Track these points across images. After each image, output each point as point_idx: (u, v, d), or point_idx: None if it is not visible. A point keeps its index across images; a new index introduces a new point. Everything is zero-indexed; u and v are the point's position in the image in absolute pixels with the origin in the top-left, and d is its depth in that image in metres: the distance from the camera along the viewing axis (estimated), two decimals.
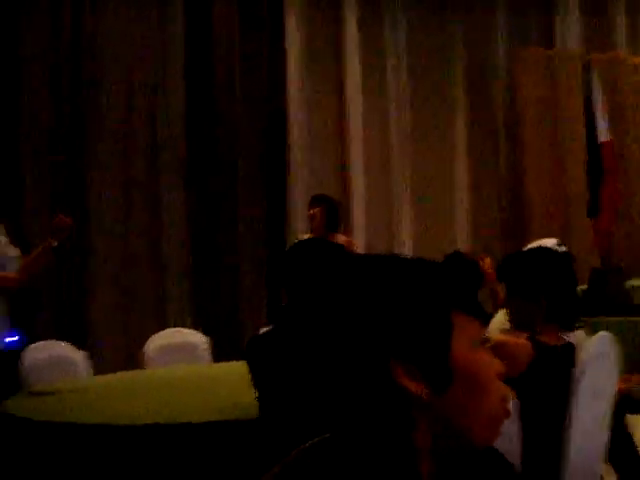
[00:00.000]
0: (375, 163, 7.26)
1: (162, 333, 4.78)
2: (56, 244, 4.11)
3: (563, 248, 3.60)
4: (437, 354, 0.94)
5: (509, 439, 2.21)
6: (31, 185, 6.06)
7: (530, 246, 3.74)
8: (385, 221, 7.27)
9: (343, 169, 7.10)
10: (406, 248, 7.21)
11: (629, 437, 3.55)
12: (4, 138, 6.05)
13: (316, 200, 5.30)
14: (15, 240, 4.57)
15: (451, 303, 0.97)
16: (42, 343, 4.29)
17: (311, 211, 5.26)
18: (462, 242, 7.49)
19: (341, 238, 5.13)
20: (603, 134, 7.21)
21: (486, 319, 1.00)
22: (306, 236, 5.26)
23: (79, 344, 5.00)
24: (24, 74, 6.08)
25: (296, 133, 6.82)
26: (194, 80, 6.57)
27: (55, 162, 6.12)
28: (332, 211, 5.17)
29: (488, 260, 4.81)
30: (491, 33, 8.01)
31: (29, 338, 5.33)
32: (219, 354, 4.74)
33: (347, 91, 7.14)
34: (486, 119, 7.86)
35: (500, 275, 2.63)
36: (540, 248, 2.97)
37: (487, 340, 1.01)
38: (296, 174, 6.81)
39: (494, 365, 0.98)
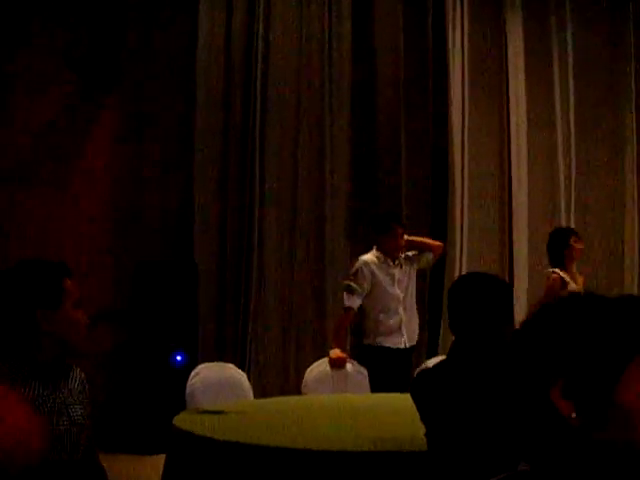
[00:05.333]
0: (539, 190, 7.04)
1: (321, 361, 4.85)
2: None
3: None
4: (599, 383, 0.98)
5: None
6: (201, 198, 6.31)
7: None
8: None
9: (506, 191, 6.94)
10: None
11: None
12: (178, 135, 6.35)
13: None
14: None
15: (631, 347, 0.99)
16: (211, 364, 4.46)
17: None
18: (629, 286, 7.11)
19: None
20: None
21: None
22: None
23: (238, 363, 5.17)
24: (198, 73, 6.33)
25: (458, 149, 6.76)
26: (359, 88, 6.69)
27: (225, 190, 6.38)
28: None
29: None
30: None
31: (192, 358, 5.60)
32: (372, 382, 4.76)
33: (511, 118, 6.99)
34: None
35: None
36: None
37: None
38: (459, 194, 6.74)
39: None
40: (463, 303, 2.41)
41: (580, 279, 5.43)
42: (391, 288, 5.10)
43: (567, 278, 5.25)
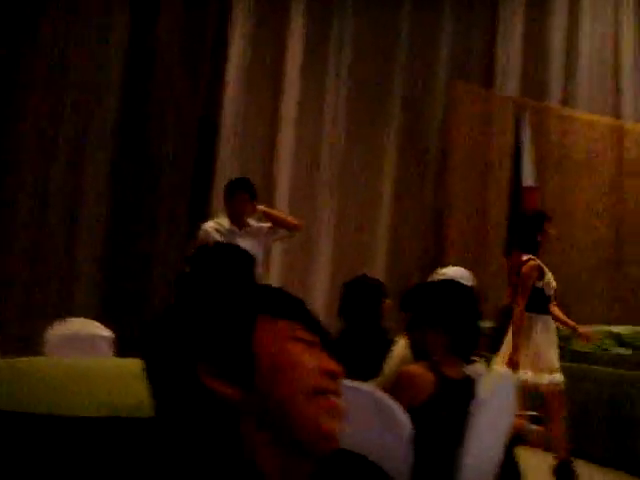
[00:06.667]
0: (302, 181, 7.28)
1: (66, 322, 4.66)
2: None
3: (469, 280, 3.67)
4: (238, 352, 1.01)
5: (400, 467, 2.22)
6: None
7: (437, 273, 3.80)
8: (306, 240, 7.25)
9: (270, 182, 7.09)
10: (323, 272, 7.22)
11: (517, 471, 3.64)
12: None
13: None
14: None
15: (256, 308, 1.05)
16: None
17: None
18: (380, 269, 7.55)
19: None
20: (528, 179, 7.41)
21: (302, 319, 1.06)
22: None
23: None
24: None
25: (227, 137, 6.79)
26: (132, 72, 6.50)
27: None
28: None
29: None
30: (433, 64, 8.14)
31: None
32: (124, 350, 4.66)
33: (283, 103, 7.14)
34: (417, 153, 7.98)
35: (405, 305, 2.63)
36: (446, 280, 3.00)
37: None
38: (223, 178, 6.77)
39: (311, 360, 1.03)
40: (198, 272, 2.40)
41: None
42: None
43: (543, 266, 4.94)
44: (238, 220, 5.08)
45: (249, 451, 0.97)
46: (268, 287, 1.10)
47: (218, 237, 5.02)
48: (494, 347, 7.15)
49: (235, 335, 1.02)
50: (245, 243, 5.09)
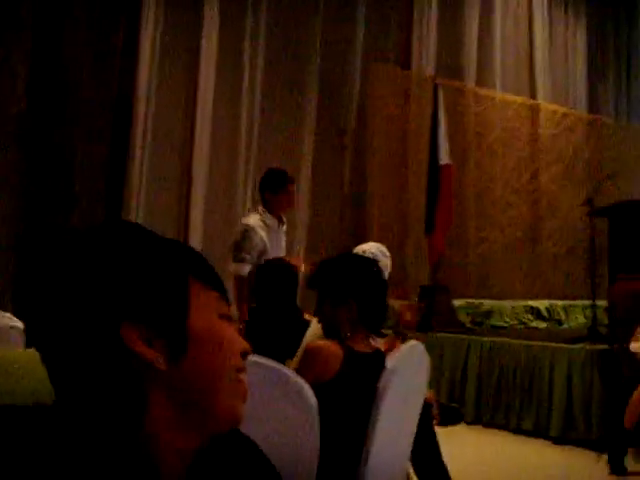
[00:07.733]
0: (220, 168, 7.21)
1: None
2: None
3: (385, 255, 3.68)
4: (173, 315, 0.92)
5: (308, 444, 2.20)
6: None
7: (354, 250, 3.80)
8: (225, 224, 7.20)
9: (187, 175, 7.00)
10: None
11: (435, 443, 3.68)
12: None
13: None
14: None
15: (188, 270, 0.95)
16: None
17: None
18: (300, 250, 7.55)
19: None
20: (444, 157, 7.48)
21: (224, 293, 1.00)
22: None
23: None
24: None
25: (142, 132, 6.68)
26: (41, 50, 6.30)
27: None
28: None
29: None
30: (349, 45, 8.16)
31: None
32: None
33: (199, 91, 7.06)
34: (335, 131, 7.98)
35: (312, 282, 2.59)
36: (349, 254, 2.99)
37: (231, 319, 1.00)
38: (136, 177, 6.66)
39: (235, 338, 0.97)
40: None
41: None
42: (278, 250, 4.63)
43: None
44: (281, 214, 4.68)
45: (149, 426, 0.89)
46: (193, 249, 1.00)
47: (264, 234, 4.57)
48: (419, 325, 7.25)
49: (170, 293, 0.92)
50: (283, 242, 4.76)
